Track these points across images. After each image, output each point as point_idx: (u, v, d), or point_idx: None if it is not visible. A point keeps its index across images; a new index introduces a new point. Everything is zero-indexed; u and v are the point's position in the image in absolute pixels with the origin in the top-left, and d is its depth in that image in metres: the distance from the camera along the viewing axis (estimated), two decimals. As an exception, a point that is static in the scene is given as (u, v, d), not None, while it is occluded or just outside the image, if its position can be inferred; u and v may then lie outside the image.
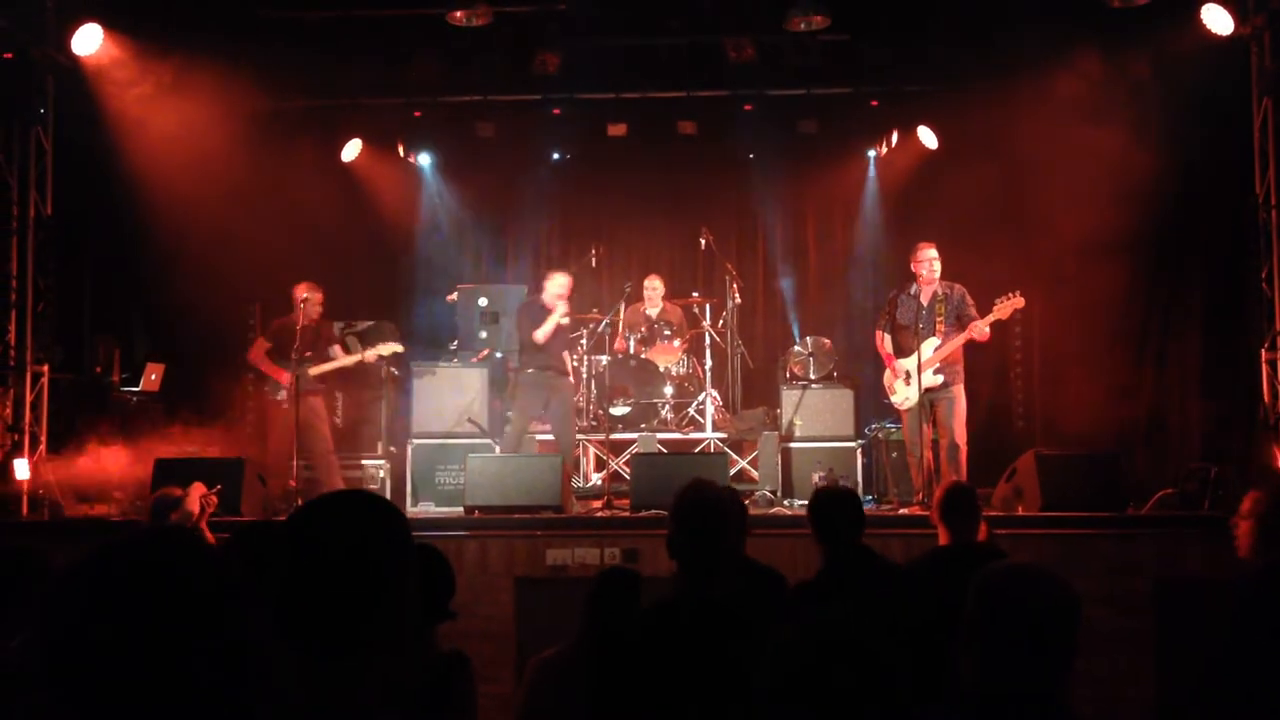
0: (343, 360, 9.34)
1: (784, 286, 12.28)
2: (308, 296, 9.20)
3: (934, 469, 8.46)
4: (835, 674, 1.77)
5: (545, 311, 9.34)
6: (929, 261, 8.57)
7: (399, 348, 9.60)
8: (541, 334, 9.24)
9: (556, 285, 9.39)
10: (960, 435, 8.49)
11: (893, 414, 9.64)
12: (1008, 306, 8.40)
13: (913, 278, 8.73)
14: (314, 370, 9.14)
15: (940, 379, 8.48)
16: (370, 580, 1.80)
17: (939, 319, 8.47)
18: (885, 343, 8.82)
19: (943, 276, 8.65)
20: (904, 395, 8.68)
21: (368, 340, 10.08)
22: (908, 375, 8.61)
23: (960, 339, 8.49)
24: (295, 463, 9.35)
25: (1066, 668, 2.31)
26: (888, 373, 8.82)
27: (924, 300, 8.58)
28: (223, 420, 10.31)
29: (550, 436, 10.48)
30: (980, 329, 8.38)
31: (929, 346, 8.47)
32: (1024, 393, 11.02)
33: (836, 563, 4.36)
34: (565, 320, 9.43)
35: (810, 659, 1.79)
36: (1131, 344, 10.21)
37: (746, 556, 4.58)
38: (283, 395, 9.10)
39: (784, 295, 12.35)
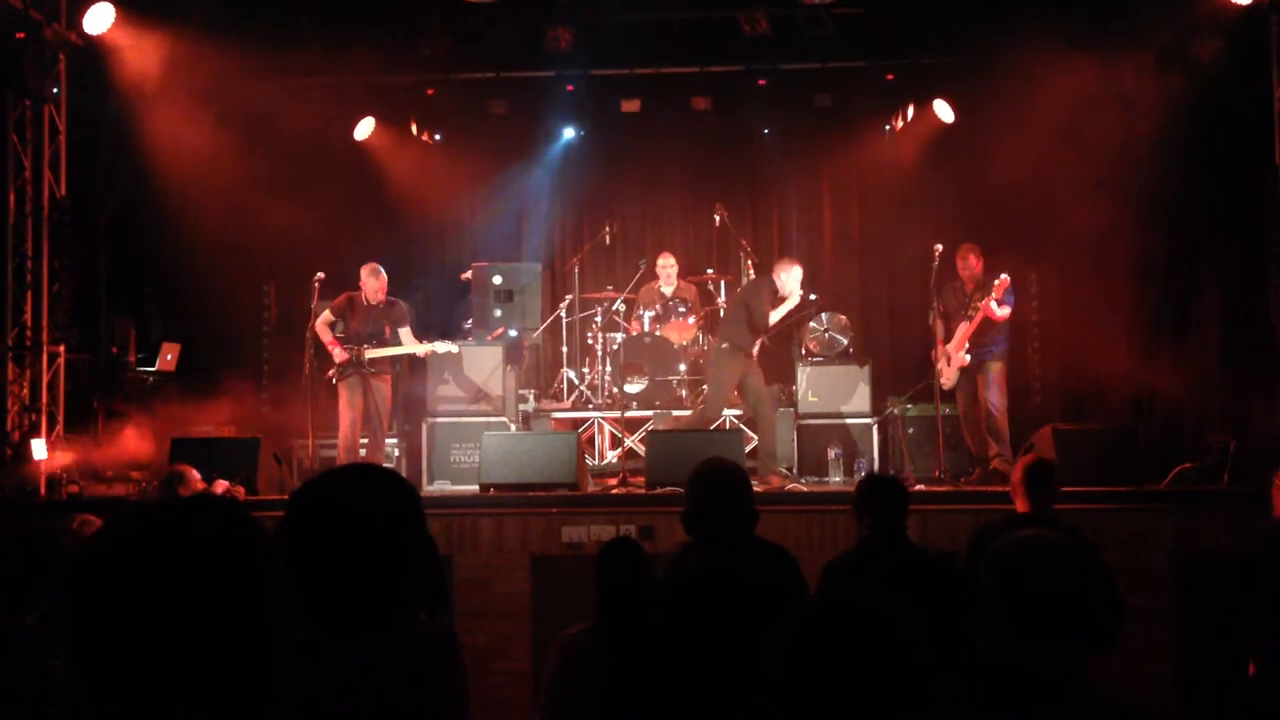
0: (396, 348, 9.29)
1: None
2: (365, 281, 9.21)
3: (973, 445, 9.14)
4: (847, 646, 1.76)
5: (781, 298, 9.13)
6: (963, 262, 9.18)
7: (454, 348, 9.60)
8: (775, 317, 9.10)
9: (797, 279, 9.15)
10: (995, 403, 8.95)
11: (908, 390, 9.72)
12: (998, 289, 8.88)
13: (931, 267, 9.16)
14: (370, 353, 9.13)
15: (970, 358, 9.02)
16: (382, 554, 1.77)
17: (973, 306, 9.03)
18: (938, 329, 9.22)
19: (961, 252, 9.18)
20: (946, 376, 9.14)
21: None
22: (948, 357, 9.09)
23: (976, 319, 8.95)
24: (312, 440, 9.41)
25: (1085, 642, 2.28)
26: (935, 355, 9.25)
27: (968, 289, 9.15)
28: (239, 399, 10.35)
29: (568, 415, 10.52)
30: (983, 314, 8.94)
31: (960, 331, 9.03)
32: (1041, 367, 10.97)
33: (874, 541, 4.45)
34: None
35: (822, 631, 1.77)
36: (1149, 317, 10.13)
37: (753, 534, 4.62)
38: (331, 372, 9.11)
39: (812, 269, 12.26)
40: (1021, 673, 2.25)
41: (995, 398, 8.97)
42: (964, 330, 9.01)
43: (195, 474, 6.09)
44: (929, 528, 7.19)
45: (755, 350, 9.29)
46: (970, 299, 9.08)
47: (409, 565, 1.82)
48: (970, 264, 9.16)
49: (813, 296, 9.70)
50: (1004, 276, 8.88)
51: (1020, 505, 5.20)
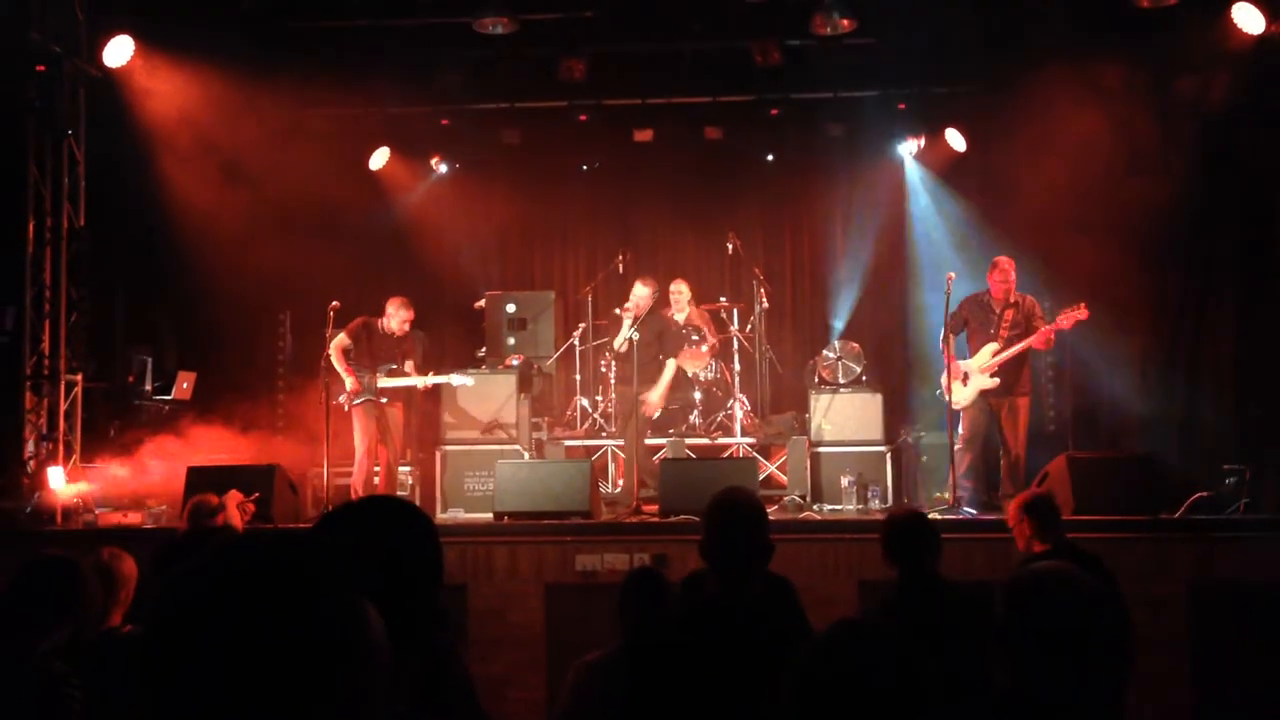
0: (408, 380, 9.31)
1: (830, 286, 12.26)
2: (393, 314, 9.23)
3: (983, 469, 8.82)
4: (863, 678, 1.77)
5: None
6: (1002, 275, 8.77)
7: (469, 382, 9.63)
8: (615, 343, 9.49)
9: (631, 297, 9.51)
10: (1020, 445, 8.68)
11: (922, 419, 9.65)
12: (1071, 317, 8.54)
13: (983, 285, 8.93)
14: (382, 381, 9.15)
15: (997, 382, 8.68)
16: (396, 585, 1.80)
17: (1004, 326, 8.72)
18: (950, 344, 8.94)
19: (1002, 265, 8.85)
20: (959, 395, 8.87)
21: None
22: (965, 376, 8.81)
23: (1021, 346, 8.65)
24: (327, 468, 9.43)
25: (1108, 674, 2.26)
26: (945, 373, 8.89)
27: (995, 308, 8.82)
28: (255, 428, 10.38)
29: (581, 443, 10.52)
30: (1037, 338, 8.58)
31: (987, 351, 8.70)
32: (1055, 395, 10.93)
33: (909, 587, 4.39)
34: (635, 336, 9.30)
35: (837, 662, 1.78)
36: (1164, 344, 10.11)
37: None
38: (342, 399, 9.13)
39: (825, 297, 12.33)
40: (1036, 705, 2.25)
41: (1023, 437, 8.70)
42: (996, 351, 8.64)
43: (217, 501, 6.16)
44: (943, 557, 7.15)
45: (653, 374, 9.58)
46: (1000, 317, 8.74)
47: (420, 592, 1.86)
48: (1010, 279, 8.75)
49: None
50: (1083, 312, 8.48)
51: (1036, 546, 5.10)
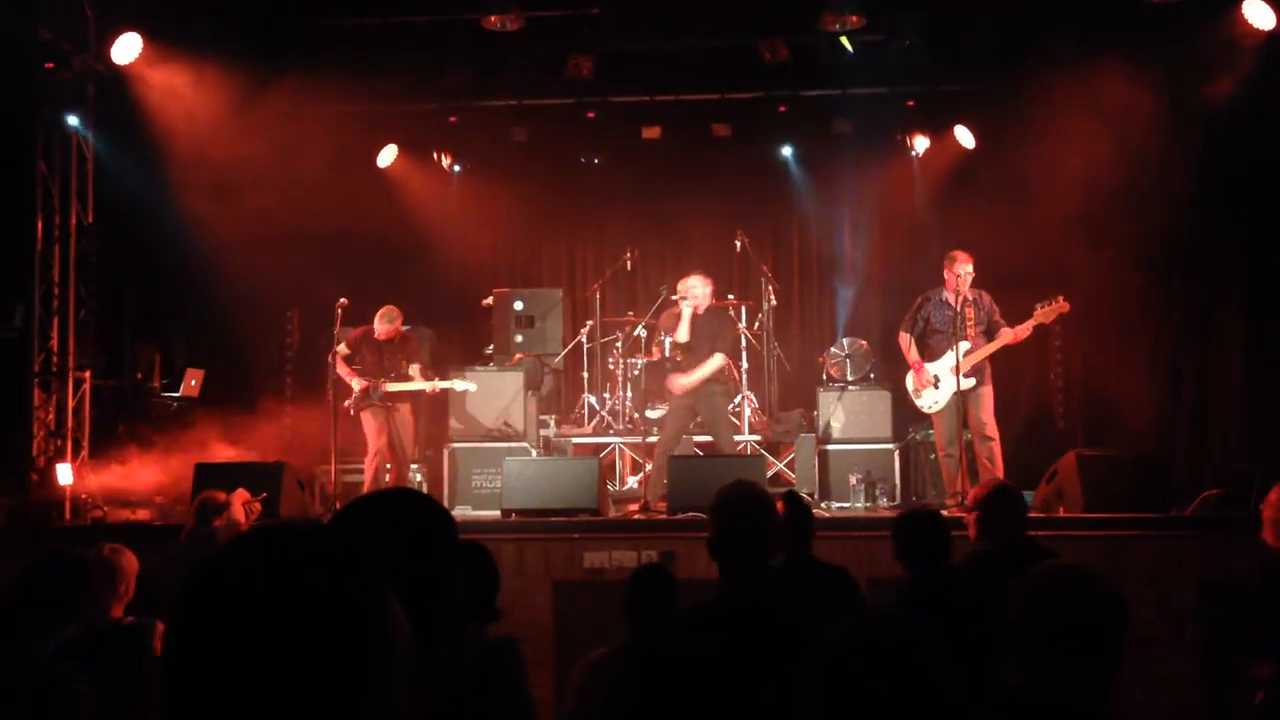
0: (413, 384, 9.35)
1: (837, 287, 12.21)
2: (381, 326, 9.26)
3: (968, 469, 8.51)
4: (879, 674, 1.75)
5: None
6: (966, 275, 8.52)
7: (472, 387, 9.66)
8: (677, 335, 9.07)
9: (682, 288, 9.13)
10: (993, 429, 8.55)
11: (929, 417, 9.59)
12: (1052, 311, 8.41)
13: (941, 282, 8.75)
14: (388, 386, 9.19)
15: (972, 381, 8.51)
16: (421, 573, 1.79)
17: (970, 323, 8.53)
18: (911, 347, 8.80)
19: (977, 281, 8.68)
20: (932, 399, 8.71)
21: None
22: (936, 379, 8.63)
23: (995, 345, 8.53)
24: (335, 466, 9.44)
25: (1112, 673, 2.27)
26: (911, 376, 8.79)
27: (955, 306, 8.56)
28: (262, 425, 10.40)
29: (589, 440, 10.51)
30: (1018, 333, 8.43)
31: (960, 351, 8.48)
32: (1064, 393, 10.91)
33: (920, 585, 4.39)
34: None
35: (855, 658, 1.77)
36: (1173, 343, 10.07)
37: (812, 556, 4.60)
38: (348, 404, 9.16)
39: (833, 295, 12.31)
40: (1047, 701, 2.24)
41: (994, 422, 8.55)
42: (970, 351, 8.46)
43: (224, 498, 6.17)
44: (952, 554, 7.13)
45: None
46: (961, 315, 8.46)
47: (451, 583, 1.85)
48: (970, 273, 8.50)
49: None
50: (1063, 304, 8.33)
51: (974, 534, 4.98)
